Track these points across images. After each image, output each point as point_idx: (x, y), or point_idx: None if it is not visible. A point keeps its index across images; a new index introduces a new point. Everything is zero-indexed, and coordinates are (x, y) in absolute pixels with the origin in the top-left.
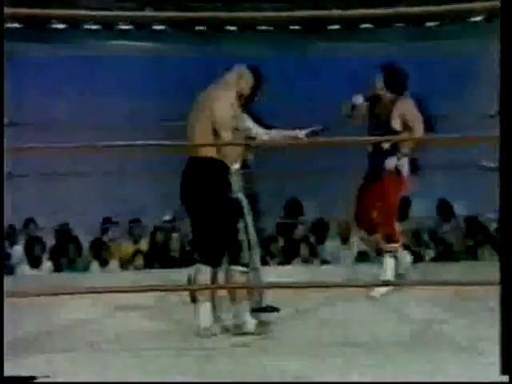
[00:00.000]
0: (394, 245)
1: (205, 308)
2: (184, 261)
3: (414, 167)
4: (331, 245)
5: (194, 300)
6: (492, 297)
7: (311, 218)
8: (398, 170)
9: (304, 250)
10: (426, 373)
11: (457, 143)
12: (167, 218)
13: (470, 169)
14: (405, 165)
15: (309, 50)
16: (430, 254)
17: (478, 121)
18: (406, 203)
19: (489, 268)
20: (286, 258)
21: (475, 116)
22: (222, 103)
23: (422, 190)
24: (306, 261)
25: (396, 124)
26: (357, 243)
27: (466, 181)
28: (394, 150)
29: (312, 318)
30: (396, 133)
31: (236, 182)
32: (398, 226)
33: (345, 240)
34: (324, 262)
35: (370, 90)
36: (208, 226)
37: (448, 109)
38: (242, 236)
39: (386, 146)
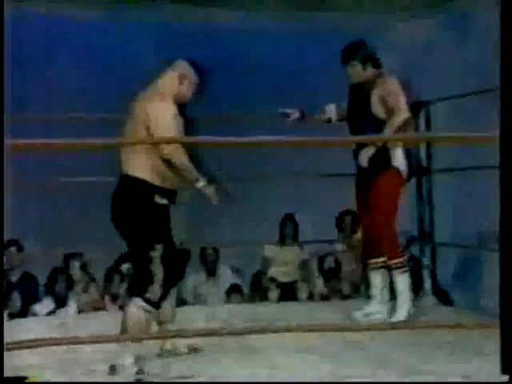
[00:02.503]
0: (399, 260)
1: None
2: None
3: (418, 166)
4: (194, 279)
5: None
6: None
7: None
8: (390, 164)
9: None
10: None
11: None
12: None
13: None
14: (399, 156)
15: (186, 16)
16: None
17: None
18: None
19: None
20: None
21: None
22: (163, 116)
23: None
24: None
25: (377, 109)
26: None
27: None
28: (383, 149)
29: None
30: (379, 120)
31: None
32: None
33: (211, 272)
34: (182, 302)
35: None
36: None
37: None
38: (155, 268)
39: (379, 144)
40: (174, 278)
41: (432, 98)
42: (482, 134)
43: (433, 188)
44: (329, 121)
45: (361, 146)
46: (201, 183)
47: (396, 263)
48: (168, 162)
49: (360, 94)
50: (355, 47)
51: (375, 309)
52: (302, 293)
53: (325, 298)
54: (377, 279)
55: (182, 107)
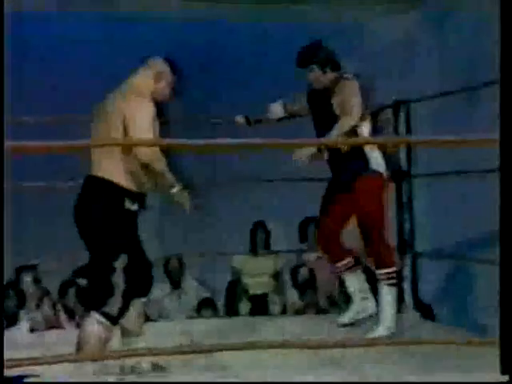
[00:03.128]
0: (388, 270)
1: None
2: None
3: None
4: (157, 292)
5: None
6: None
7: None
8: (368, 167)
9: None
10: None
11: (453, 145)
12: None
13: None
14: (376, 157)
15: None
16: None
17: None
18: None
19: None
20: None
21: None
22: (143, 117)
23: None
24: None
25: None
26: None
27: None
28: (358, 152)
29: None
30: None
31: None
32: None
33: (175, 284)
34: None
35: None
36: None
37: None
38: (117, 279)
39: (344, 148)
40: (137, 290)
41: (412, 97)
42: (482, 135)
43: (413, 194)
44: (279, 119)
45: (336, 155)
46: (176, 189)
47: (385, 273)
48: (144, 166)
49: (321, 100)
50: (312, 50)
51: (357, 309)
52: (275, 306)
53: (300, 311)
54: (350, 279)
55: (158, 108)
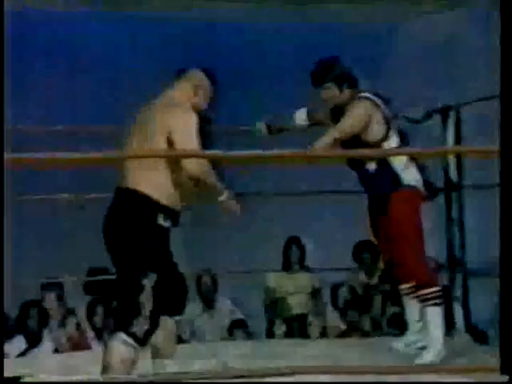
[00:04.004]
0: (431, 289)
1: None
2: None
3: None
4: (188, 311)
5: None
6: None
7: None
8: (400, 183)
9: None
10: None
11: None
12: None
13: None
14: (409, 171)
15: None
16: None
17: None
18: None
19: None
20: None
21: None
22: (189, 129)
23: None
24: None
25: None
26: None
27: None
28: (385, 167)
29: None
30: (368, 144)
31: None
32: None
33: (207, 302)
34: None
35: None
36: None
37: None
38: (145, 298)
39: (371, 167)
40: (168, 309)
41: (460, 101)
42: None
43: (464, 207)
44: (302, 128)
45: (363, 173)
46: (224, 196)
47: (427, 294)
48: (191, 179)
49: (338, 113)
50: (329, 67)
51: (414, 338)
52: (314, 328)
53: (342, 334)
54: (410, 305)
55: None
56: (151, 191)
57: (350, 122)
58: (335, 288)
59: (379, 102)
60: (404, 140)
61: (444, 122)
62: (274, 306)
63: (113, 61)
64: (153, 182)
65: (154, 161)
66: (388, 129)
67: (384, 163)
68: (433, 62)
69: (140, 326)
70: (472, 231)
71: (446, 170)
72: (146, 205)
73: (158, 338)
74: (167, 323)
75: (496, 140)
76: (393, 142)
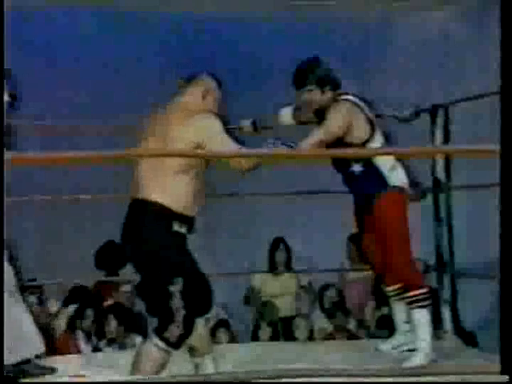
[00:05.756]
0: (418, 291)
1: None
2: None
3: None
4: None
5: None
6: None
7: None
8: (387, 184)
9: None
10: None
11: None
12: None
13: None
14: (395, 172)
15: None
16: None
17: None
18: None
19: None
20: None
21: None
22: (216, 131)
23: None
24: (115, 341)
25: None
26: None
27: None
28: (371, 168)
29: None
30: (352, 144)
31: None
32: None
33: None
34: None
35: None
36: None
37: None
38: (176, 304)
39: (357, 168)
40: (198, 311)
41: (451, 99)
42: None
43: (452, 207)
44: (288, 126)
45: (348, 175)
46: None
47: (414, 295)
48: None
49: (320, 114)
50: (310, 69)
51: (402, 340)
52: (301, 330)
53: (329, 336)
54: (398, 307)
55: None
56: (165, 200)
57: (333, 124)
58: (322, 290)
59: (361, 103)
60: (388, 141)
61: (433, 121)
62: (261, 308)
63: (113, 61)
64: (166, 191)
65: (168, 170)
66: (372, 130)
67: (370, 164)
68: (424, 60)
69: (173, 330)
70: (460, 232)
71: (433, 170)
72: (161, 214)
73: (192, 338)
74: (198, 323)
75: (485, 139)
76: (377, 142)
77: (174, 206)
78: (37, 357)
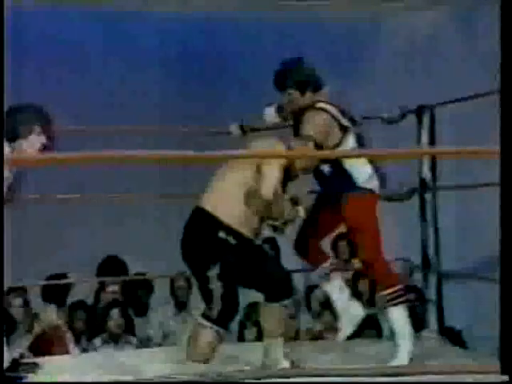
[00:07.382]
0: (392, 289)
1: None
2: None
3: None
4: (161, 314)
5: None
6: None
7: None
8: (355, 186)
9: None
10: None
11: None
12: None
13: None
14: (363, 173)
15: None
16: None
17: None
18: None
19: None
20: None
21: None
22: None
23: None
24: (115, 340)
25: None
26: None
27: None
28: (339, 168)
29: None
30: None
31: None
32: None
33: (181, 305)
34: (146, 340)
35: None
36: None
37: None
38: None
39: (325, 168)
40: (275, 297)
41: (437, 101)
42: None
43: (438, 208)
44: (274, 125)
45: (318, 173)
46: (301, 212)
47: (388, 294)
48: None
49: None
50: (290, 71)
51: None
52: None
53: (316, 337)
54: (396, 313)
55: None
56: (220, 213)
57: (311, 135)
58: (309, 290)
59: (334, 111)
60: (360, 143)
61: (419, 121)
62: (247, 308)
63: (112, 60)
64: (226, 208)
65: (235, 191)
66: (342, 137)
67: (337, 164)
68: (413, 60)
69: (213, 309)
70: (446, 232)
71: (419, 171)
72: (211, 223)
73: (265, 319)
74: (274, 308)
75: (473, 140)
76: (348, 146)
77: (226, 218)
78: (21, 356)
